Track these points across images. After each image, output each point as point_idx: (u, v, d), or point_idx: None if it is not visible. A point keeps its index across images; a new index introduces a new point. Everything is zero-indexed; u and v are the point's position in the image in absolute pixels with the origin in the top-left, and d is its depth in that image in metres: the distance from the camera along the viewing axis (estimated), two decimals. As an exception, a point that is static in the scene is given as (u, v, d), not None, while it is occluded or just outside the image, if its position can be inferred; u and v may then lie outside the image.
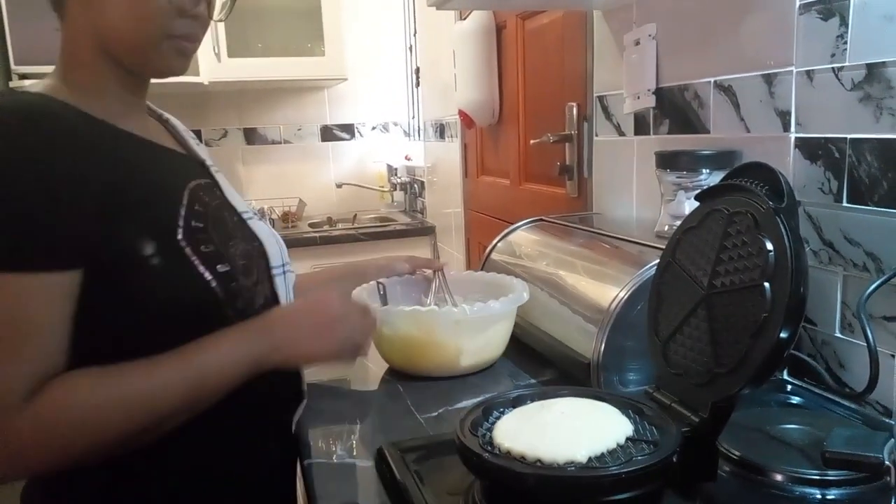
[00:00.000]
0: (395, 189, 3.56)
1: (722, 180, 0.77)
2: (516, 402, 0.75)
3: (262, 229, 0.93)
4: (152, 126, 0.90)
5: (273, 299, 0.92)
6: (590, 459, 0.62)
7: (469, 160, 2.62)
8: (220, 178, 0.93)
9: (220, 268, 0.80)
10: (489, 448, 0.66)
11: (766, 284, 0.64)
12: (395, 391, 1.07)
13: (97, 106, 0.78)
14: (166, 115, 0.97)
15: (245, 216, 0.91)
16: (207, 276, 0.79)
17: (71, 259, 0.70)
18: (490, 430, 0.70)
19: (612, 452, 0.64)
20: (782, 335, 0.62)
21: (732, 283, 0.69)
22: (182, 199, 0.81)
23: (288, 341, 0.83)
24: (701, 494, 0.68)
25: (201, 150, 0.96)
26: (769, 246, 0.65)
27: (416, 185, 3.44)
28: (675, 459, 0.63)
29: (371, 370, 1.17)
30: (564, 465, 0.62)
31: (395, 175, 3.52)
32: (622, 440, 0.65)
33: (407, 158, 3.47)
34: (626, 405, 0.73)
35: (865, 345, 0.90)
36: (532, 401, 0.76)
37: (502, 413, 0.73)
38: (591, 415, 0.71)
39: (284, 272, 0.94)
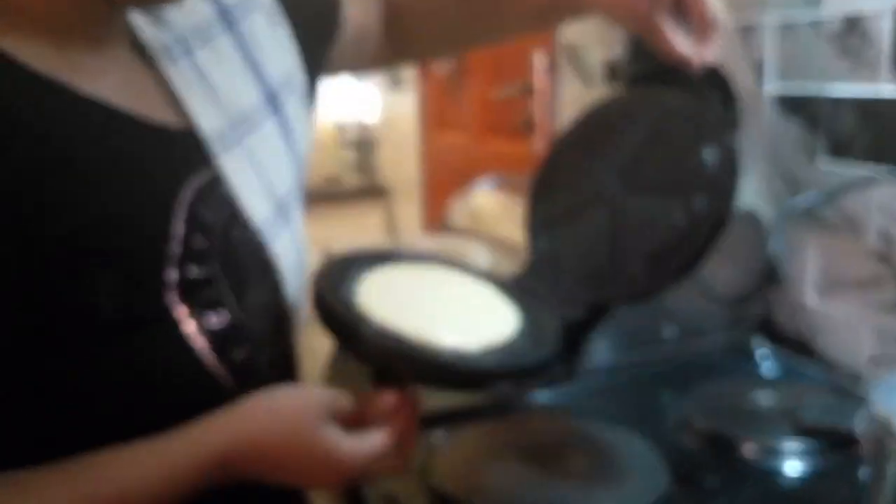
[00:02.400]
0: (346, 147, 3.52)
1: (656, 63, 0.69)
2: (379, 261, 0.67)
3: (284, 249, 0.61)
4: (133, 77, 0.56)
5: (287, 363, 0.66)
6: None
7: (427, 114, 2.60)
8: (233, 158, 0.59)
9: (238, 353, 0.54)
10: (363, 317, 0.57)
11: (696, 199, 0.61)
12: (344, 363, 1.07)
13: (34, 43, 0.49)
14: (151, 33, 0.58)
15: (264, 231, 0.60)
16: (220, 370, 0.53)
17: None
18: (352, 291, 0.60)
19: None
20: (699, 257, 0.61)
21: (653, 188, 0.65)
22: (170, 225, 0.51)
23: (251, 474, 0.53)
24: (672, 469, 0.70)
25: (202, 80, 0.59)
26: (709, 159, 0.62)
27: (368, 143, 3.40)
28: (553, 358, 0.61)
29: (320, 342, 1.17)
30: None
31: (346, 132, 3.47)
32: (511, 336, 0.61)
33: (358, 113, 3.42)
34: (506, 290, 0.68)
35: (837, 311, 0.93)
36: (397, 262, 0.68)
37: (364, 273, 0.64)
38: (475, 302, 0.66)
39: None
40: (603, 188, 0.69)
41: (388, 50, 0.84)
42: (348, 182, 3.24)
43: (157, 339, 0.50)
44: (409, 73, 2.63)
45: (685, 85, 0.65)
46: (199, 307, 0.51)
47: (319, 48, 0.73)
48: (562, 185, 0.73)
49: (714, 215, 0.61)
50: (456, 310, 0.63)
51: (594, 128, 0.73)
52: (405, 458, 0.55)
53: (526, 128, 1.76)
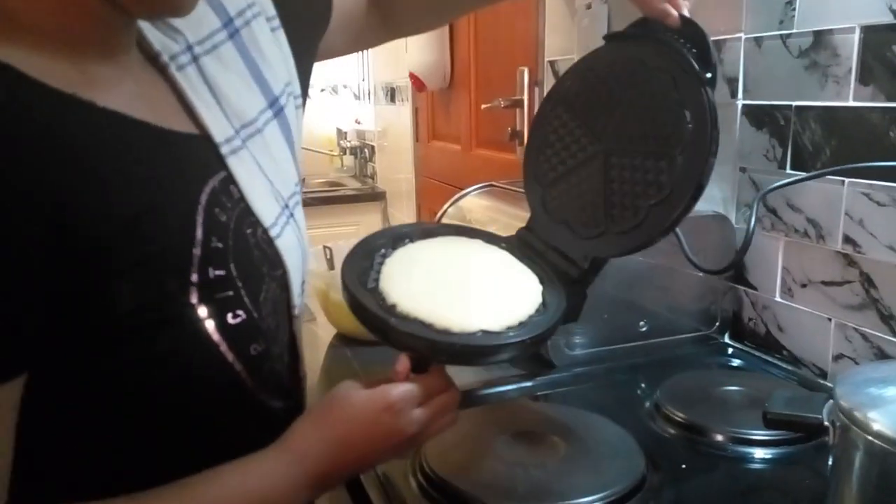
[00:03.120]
0: (345, 153, 3.50)
1: (638, 25, 0.68)
2: (396, 243, 0.67)
3: (290, 244, 0.60)
4: (143, 86, 0.53)
5: (293, 353, 0.63)
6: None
7: (420, 125, 2.58)
8: (240, 160, 0.57)
9: (255, 348, 0.53)
10: (392, 309, 0.58)
11: (679, 156, 0.60)
12: (343, 356, 1.06)
13: (50, 59, 0.46)
14: (158, 41, 0.55)
15: (272, 228, 0.58)
16: (237, 365, 0.51)
17: (11, 367, 0.42)
18: (377, 279, 0.61)
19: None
20: (683, 210, 0.59)
21: (637, 144, 0.63)
22: (195, 228, 0.50)
23: (328, 475, 0.54)
24: (646, 454, 0.68)
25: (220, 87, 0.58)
26: (688, 116, 0.60)
27: (366, 150, 3.38)
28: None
29: (319, 335, 1.15)
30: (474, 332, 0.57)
31: (345, 139, 3.45)
32: (532, 311, 0.61)
33: (357, 122, 3.40)
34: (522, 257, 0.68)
35: (804, 309, 0.92)
36: (412, 240, 0.68)
37: (384, 257, 0.65)
38: (499, 273, 0.66)
39: (303, 290, 0.65)
40: (592, 146, 0.67)
41: (373, 30, 0.83)
42: (347, 187, 3.22)
43: (180, 337, 0.48)
44: (405, 87, 2.61)
45: (663, 44, 0.64)
46: (217, 307, 0.49)
47: (312, 43, 0.71)
48: (553, 142, 0.71)
49: (694, 172, 0.59)
50: (475, 284, 0.63)
51: (581, 85, 0.71)
52: (453, 416, 0.59)
53: (512, 138, 1.75)
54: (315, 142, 3.48)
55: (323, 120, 3.50)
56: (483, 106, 1.86)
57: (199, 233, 0.50)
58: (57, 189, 0.42)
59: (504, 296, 0.62)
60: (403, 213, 2.86)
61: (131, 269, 0.45)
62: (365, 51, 3.23)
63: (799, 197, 0.93)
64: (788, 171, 0.93)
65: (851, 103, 0.84)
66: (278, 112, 0.63)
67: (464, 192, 1.43)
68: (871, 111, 0.82)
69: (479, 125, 2.08)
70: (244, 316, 0.51)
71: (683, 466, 0.71)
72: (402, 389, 0.55)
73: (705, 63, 0.61)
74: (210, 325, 0.49)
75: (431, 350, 0.57)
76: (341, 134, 3.47)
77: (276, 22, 0.65)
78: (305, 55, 0.69)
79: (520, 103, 1.71)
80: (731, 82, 1.01)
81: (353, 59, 3.38)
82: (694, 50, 0.63)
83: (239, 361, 0.51)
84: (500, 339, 0.57)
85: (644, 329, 0.99)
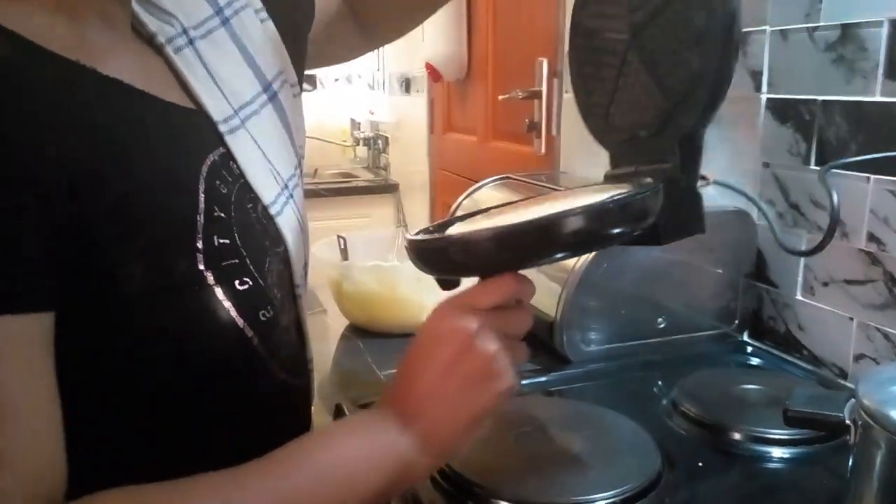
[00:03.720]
0: (358, 144, 3.51)
1: None
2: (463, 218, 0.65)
3: (290, 223, 0.61)
4: (140, 59, 0.55)
5: (299, 331, 0.63)
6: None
7: (435, 116, 2.58)
8: (239, 139, 0.59)
9: (264, 314, 0.53)
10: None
11: (704, 51, 0.57)
12: (356, 348, 1.06)
13: (49, 25, 0.47)
14: (154, 24, 0.57)
15: (272, 206, 0.59)
16: (248, 331, 0.52)
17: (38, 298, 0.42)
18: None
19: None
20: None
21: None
22: (199, 197, 0.51)
23: (437, 429, 0.51)
24: (662, 451, 0.68)
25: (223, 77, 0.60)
26: (708, 21, 0.56)
27: (379, 141, 3.38)
28: (658, 195, 0.55)
29: (331, 326, 1.15)
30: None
31: (359, 130, 3.46)
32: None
33: (371, 113, 3.40)
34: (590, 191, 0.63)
35: (825, 307, 0.91)
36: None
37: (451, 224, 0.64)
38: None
39: (306, 272, 0.66)
40: (622, 47, 0.65)
41: (355, 36, 0.84)
42: (361, 178, 3.23)
43: (192, 305, 0.49)
44: (420, 78, 2.61)
45: None
46: (224, 273, 0.51)
47: (302, 38, 0.73)
48: (590, 71, 0.70)
49: (721, 62, 0.56)
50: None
51: (585, 6, 0.70)
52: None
53: (529, 129, 1.74)
54: (328, 132, 3.49)
55: (336, 110, 3.50)
56: (500, 97, 1.85)
57: (201, 201, 0.51)
58: (69, 152, 0.44)
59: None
60: (417, 206, 2.87)
61: (139, 235, 0.47)
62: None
63: (822, 193, 0.92)
64: (813, 166, 0.93)
65: (878, 98, 0.83)
66: (273, 97, 0.65)
67: (479, 184, 1.43)
68: (899, 106, 0.81)
69: (495, 117, 2.08)
70: (251, 283, 0.52)
71: (700, 465, 0.71)
72: (461, 293, 0.53)
73: None
74: (219, 291, 0.50)
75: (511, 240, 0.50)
76: (355, 124, 3.47)
77: (264, 14, 0.67)
78: (295, 48, 0.70)
79: (538, 94, 1.71)
80: (756, 76, 1.00)
81: (368, 48, 3.38)
82: None
83: (249, 327, 0.52)
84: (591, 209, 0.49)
85: (662, 326, 0.99)
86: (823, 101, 0.91)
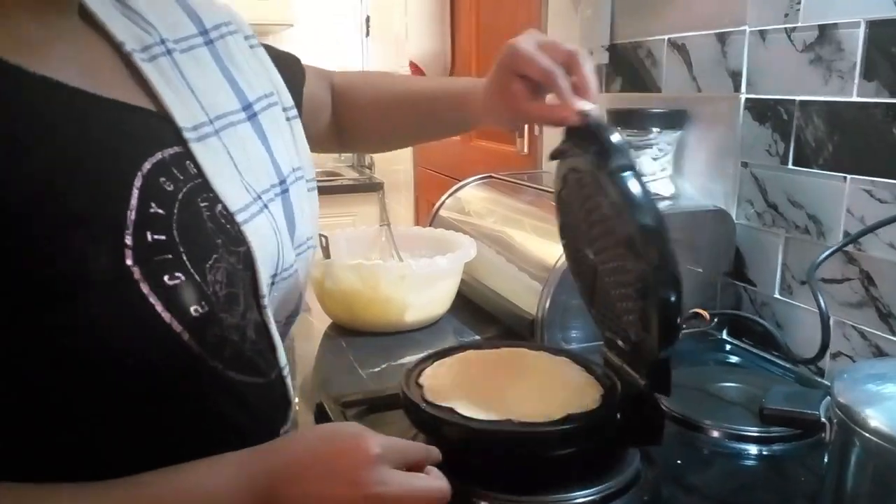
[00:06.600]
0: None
1: (565, 137, 0.67)
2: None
3: (261, 230, 0.61)
4: (88, 53, 0.56)
5: (263, 335, 0.61)
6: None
7: (419, 115, 2.57)
8: (209, 145, 0.59)
9: (196, 310, 0.52)
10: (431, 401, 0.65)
11: (629, 248, 0.58)
12: (338, 347, 1.06)
13: None
14: (128, 31, 0.58)
15: (239, 213, 0.59)
16: (176, 326, 0.51)
17: None
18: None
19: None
20: (663, 294, 0.57)
21: (607, 249, 0.63)
22: (131, 193, 0.51)
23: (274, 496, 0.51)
24: (642, 450, 0.69)
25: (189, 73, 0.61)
26: (618, 209, 0.58)
27: (364, 140, 3.37)
28: (617, 417, 0.64)
29: (314, 325, 1.15)
30: (503, 420, 0.61)
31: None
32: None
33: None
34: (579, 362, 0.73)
35: (803, 306, 0.92)
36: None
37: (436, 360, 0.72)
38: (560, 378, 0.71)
39: (277, 282, 0.64)
40: (588, 265, 0.69)
41: (330, 132, 0.87)
42: (345, 177, 3.21)
43: (113, 297, 0.49)
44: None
45: (580, 147, 0.63)
46: (153, 268, 0.50)
47: (296, 93, 0.75)
48: (575, 270, 0.75)
49: (662, 262, 0.57)
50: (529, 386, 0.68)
51: (559, 210, 0.74)
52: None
53: (511, 129, 1.74)
54: (313, 130, 3.47)
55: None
56: (483, 96, 1.85)
57: (134, 197, 0.51)
58: None
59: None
60: (401, 205, 2.86)
61: (55, 230, 0.47)
62: (365, 39, 3.22)
63: (800, 193, 0.93)
64: (790, 166, 0.93)
65: (855, 98, 0.84)
66: (252, 116, 0.65)
67: (462, 182, 1.43)
68: (875, 107, 0.82)
69: (478, 116, 2.08)
70: (183, 278, 0.52)
71: (679, 462, 0.71)
72: (394, 441, 0.53)
73: (607, 154, 0.58)
74: (145, 286, 0.50)
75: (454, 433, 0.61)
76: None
77: (255, 41, 0.68)
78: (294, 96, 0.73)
79: (520, 94, 1.71)
80: (735, 76, 1.01)
81: (353, 45, 3.37)
82: (591, 142, 0.61)
83: (178, 322, 0.51)
84: (529, 426, 0.61)
85: (642, 324, 0.99)
86: (801, 102, 0.91)
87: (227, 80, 0.64)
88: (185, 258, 0.52)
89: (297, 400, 0.89)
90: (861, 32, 0.82)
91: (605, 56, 1.30)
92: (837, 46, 0.85)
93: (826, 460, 0.59)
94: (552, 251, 0.99)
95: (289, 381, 0.64)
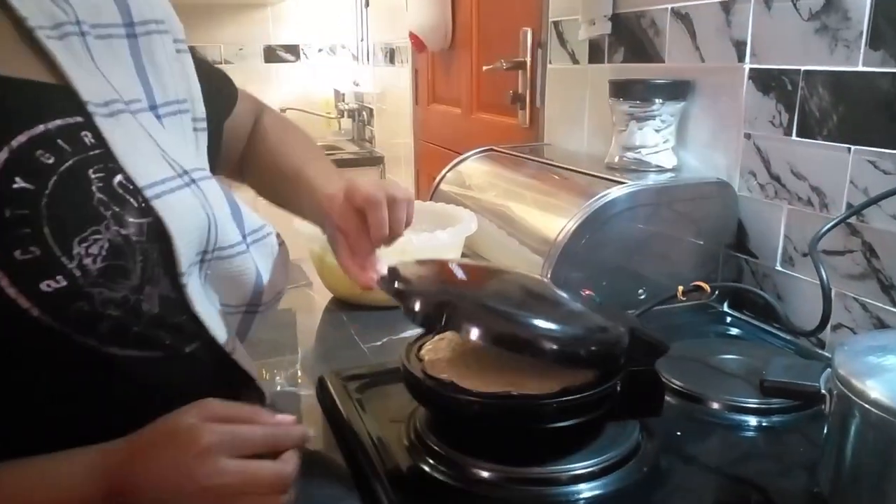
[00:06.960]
0: (343, 116, 3.47)
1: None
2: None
3: (185, 207, 0.60)
4: None
5: (177, 309, 0.60)
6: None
7: (420, 87, 2.55)
8: (121, 120, 0.59)
9: (49, 284, 0.51)
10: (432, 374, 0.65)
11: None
12: (339, 321, 1.06)
13: None
14: (36, 9, 0.57)
15: (152, 187, 0.58)
16: (23, 302, 0.50)
17: None
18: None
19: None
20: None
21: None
22: None
23: (122, 486, 0.51)
24: (641, 422, 0.69)
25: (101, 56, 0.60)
26: None
27: (364, 113, 3.35)
28: (617, 389, 0.64)
29: (315, 300, 1.15)
30: (503, 393, 0.61)
31: (343, 101, 3.41)
32: None
33: (355, 84, 3.36)
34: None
35: (804, 278, 0.92)
36: None
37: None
38: None
39: (211, 259, 0.63)
40: None
41: (237, 164, 0.85)
42: (345, 150, 3.20)
43: None
44: (404, 48, 2.58)
45: None
46: (3, 244, 0.50)
47: (219, 119, 0.74)
48: None
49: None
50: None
51: None
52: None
53: (513, 101, 1.73)
54: (312, 104, 3.44)
55: (320, 81, 3.45)
56: (484, 67, 1.83)
57: None
58: None
59: None
60: (402, 178, 2.85)
61: None
62: (364, 10, 3.18)
63: (803, 164, 0.92)
64: (794, 137, 0.93)
65: (861, 68, 0.83)
66: (157, 118, 0.64)
67: (463, 156, 1.42)
68: (881, 77, 0.81)
69: (480, 88, 2.06)
70: (38, 252, 0.51)
71: (678, 434, 0.71)
72: (233, 430, 0.52)
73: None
74: (11, 289, 0.49)
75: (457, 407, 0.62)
76: (339, 96, 3.43)
77: (184, 45, 0.67)
78: (214, 119, 0.72)
79: (522, 65, 1.69)
80: (739, 45, 1.00)
81: (351, 17, 3.33)
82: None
83: (25, 298, 0.50)
84: (529, 398, 0.61)
85: (643, 297, 0.99)
86: (806, 72, 0.90)
87: (140, 77, 0.63)
88: (46, 232, 0.51)
89: (299, 373, 0.89)
90: (868, 0, 0.81)
91: (608, 26, 1.28)
92: (844, 15, 0.84)
93: (826, 432, 0.59)
94: (553, 225, 0.99)
95: (231, 352, 0.64)
